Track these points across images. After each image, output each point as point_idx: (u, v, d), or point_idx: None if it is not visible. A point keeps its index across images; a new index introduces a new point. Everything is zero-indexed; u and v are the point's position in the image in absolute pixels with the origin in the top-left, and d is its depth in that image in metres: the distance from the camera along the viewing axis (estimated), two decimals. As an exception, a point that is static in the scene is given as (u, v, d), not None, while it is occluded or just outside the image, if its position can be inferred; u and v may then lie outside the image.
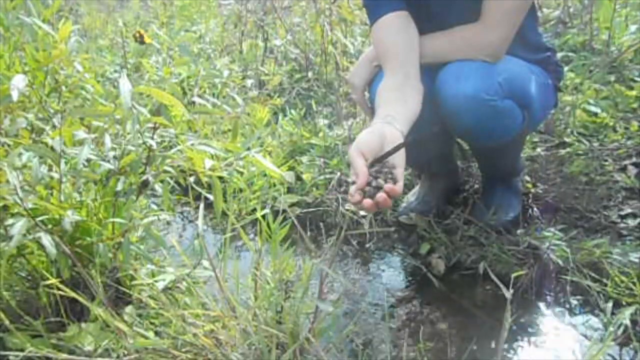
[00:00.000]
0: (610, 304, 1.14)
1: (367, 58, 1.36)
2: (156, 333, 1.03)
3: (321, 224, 1.61)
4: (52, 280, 0.97)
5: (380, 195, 0.87)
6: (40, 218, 1.02)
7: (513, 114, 1.29)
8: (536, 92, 1.33)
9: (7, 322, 0.90)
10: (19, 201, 0.94)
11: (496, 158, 1.46)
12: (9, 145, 1.05)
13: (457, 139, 1.58)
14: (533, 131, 1.79)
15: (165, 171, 1.13)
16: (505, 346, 1.11)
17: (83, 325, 1.05)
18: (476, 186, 1.67)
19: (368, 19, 1.31)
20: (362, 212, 1.59)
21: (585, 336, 1.13)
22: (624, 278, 1.18)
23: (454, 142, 1.62)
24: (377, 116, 1.07)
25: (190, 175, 1.13)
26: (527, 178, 1.65)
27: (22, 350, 0.91)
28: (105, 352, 1.00)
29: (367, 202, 0.88)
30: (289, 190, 1.77)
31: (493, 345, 1.11)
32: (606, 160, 1.71)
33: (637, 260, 1.24)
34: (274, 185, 1.74)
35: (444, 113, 1.27)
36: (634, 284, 1.16)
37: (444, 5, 1.27)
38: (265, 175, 1.76)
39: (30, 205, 0.98)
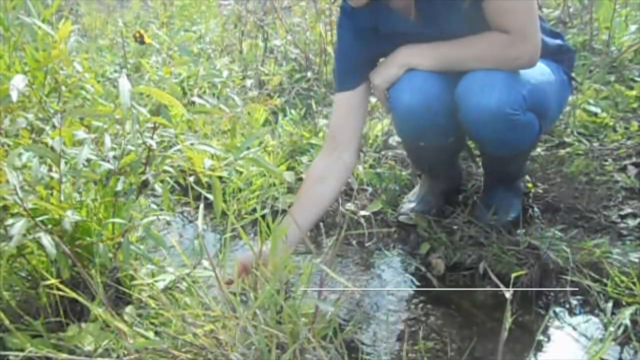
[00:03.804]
0: (610, 304, 1.15)
1: (396, 62, 1.31)
2: (156, 333, 1.03)
3: (321, 224, 1.61)
4: (52, 280, 0.97)
5: None
6: (40, 218, 1.02)
7: (532, 126, 1.29)
8: (555, 98, 1.33)
9: (7, 322, 0.90)
10: (19, 201, 0.94)
11: (505, 163, 1.45)
12: (9, 145, 1.05)
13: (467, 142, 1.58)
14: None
15: (165, 171, 1.13)
16: (505, 346, 1.11)
17: (83, 325, 1.05)
18: (476, 186, 1.67)
19: (334, 85, 1.41)
20: (362, 212, 1.59)
21: (585, 336, 1.13)
22: (624, 278, 1.18)
23: (463, 149, 1.62)
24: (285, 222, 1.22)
25: (190, 175, 1.12)
26: (527, 178, 1.65)
27: (22, 350, 0.91)
28: (105, 352, 1.00)
29: None
30: (289, 190, 1.77)
31: (493, 345, 1.11)
32: (606, 160, 1.71)
33: (637, 260, 1.24)
34: (274, 185, 1.74)
35: (464, 122, 1.27)
36: (634, 284, 1.16)
37: (438, 32, 1.25)
38: (265, 175, 1.76)
39: (30, 205, 0.98)
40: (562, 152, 1.78)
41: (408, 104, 1.29)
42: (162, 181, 1.15)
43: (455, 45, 1.25)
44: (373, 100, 1.94)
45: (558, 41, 1.40)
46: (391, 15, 1.27)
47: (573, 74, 1.47)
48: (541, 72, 1.29)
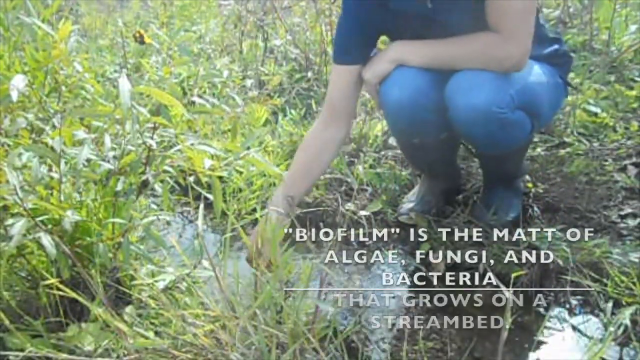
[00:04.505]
0: (610, 304, 1.15)
1: (387, 58, 1.31)
2: (156, 333, 1.03)
3: (321, 224, 1.60)
4: (52, 280, 0.97)
5: None
6: (40, 218, 1.02)
7: (523, 124, 1.29)
8: (547, 98, 1.33)
9: (7, 322, 0.90)
10: (19, 201, 0.94)
11: (501, 162, 1.46)
12: (9, 145, 1.05)
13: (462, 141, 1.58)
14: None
15: (165, 171, 1.13)
16: (505, 346, 1.11)
17: (83, 325, 1.05)
18: (476, 186, 1.67)
19: (333, 56, 1.40)
20: (362, 212, 1.59)
21: (586, 336, 1.13)
22: (624, 278, 1.18)
23: (459, 147, 1.62)
24: (282, 190, 1.31)
25: (190, 175, 1.12)
26: (527, 178, 1.65)
27: (22, 350, 0.91)
28: (105, 352, 1.00)
29: None
30: (289, 190, 1.77)
31: (493, 345, 1.11)
32: (606, 160, 1.71)
33: (637, 260, 1.24)
34: (274, 185, 1.74)
35: (453, 121, 1.27)
36: (634, 284, 1.16)
37: (443, 26, 1.25)
38: (265, 175, 1.76)
39: (30, 205, 0.98)
40: (562, 152, 1.78)
41: (397, 99, 1.29)
42: (162, 181, 1.15)
43: (447, 44, 1.25)
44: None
45: (555, 46, 1.41)
46: None
47: (572, 75, 1.48)
48: (532, 73, 1.29)
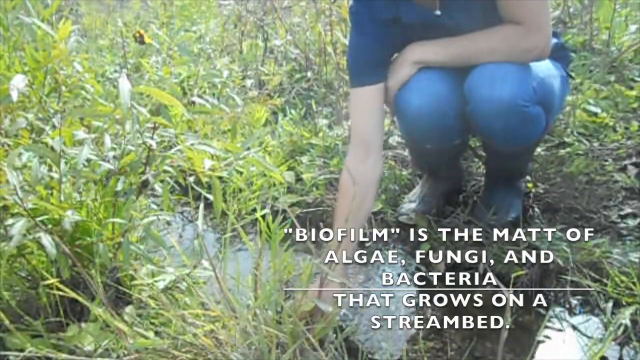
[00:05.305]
0: (610, 304, 1.15)
1: (408, 60, 1.27)
2: (156, 333, 1.03)
3: (321, 224, 1.60)
4: (52, 280, 0.97)
5: None
6: (40, 218, 1.02)
7: (540, 120, 1.28)
8: (558, 92, 1.32)
9: (7, 322, 0.90)
10: (19, 201, 0.94)
11: (510, 160, 1.45)
12: (9, 145, 1.05)
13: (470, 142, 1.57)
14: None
15: (165, 171, 1.13)
16: (505, 346, 1.11)
17: (83, 325, 1.05)
18: (476, 186, 1.67)
19: (349, 80, 1.31)
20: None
21: (586, 336, 1.13)
22: (624, 278, 1.18)
23: (466, 149, 1.62)
24: (338, 249, 1.11)
25: (190, 175, 1.13)
26: (527, 178, 1.65)
27: (22, 350, 0.91)
28: (105, 352, 1.00)
29: None
30: (289, 190, 1.77)
31: (493, 345, 1.11)
32: (606, 160, 1.71)
33: (637, 260, 1.24)
34: (274, 185, 1.74)
35: (474, 115, 1.25)
36: (634, 284, 1.16)
37: (453, 26, 1.24)
38: (265, 175, 1.76)
39: (30, 205, 0.98)
40: (562, 152, 1.78)
41: (417, 106, 1.27)
42: (162, 181, 1.15)
43: (467, 39, 1.23)
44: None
45: (554, 40, 1.41)
46: (413, 5, 1.25)
47: (572, 74, 1.48)
48: (547, 67, 1.28)
